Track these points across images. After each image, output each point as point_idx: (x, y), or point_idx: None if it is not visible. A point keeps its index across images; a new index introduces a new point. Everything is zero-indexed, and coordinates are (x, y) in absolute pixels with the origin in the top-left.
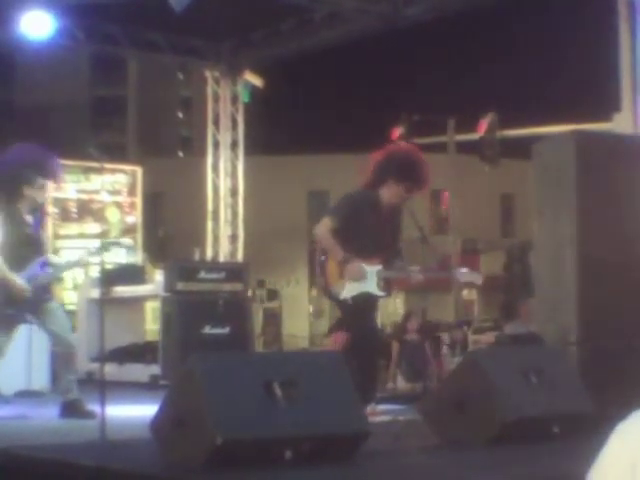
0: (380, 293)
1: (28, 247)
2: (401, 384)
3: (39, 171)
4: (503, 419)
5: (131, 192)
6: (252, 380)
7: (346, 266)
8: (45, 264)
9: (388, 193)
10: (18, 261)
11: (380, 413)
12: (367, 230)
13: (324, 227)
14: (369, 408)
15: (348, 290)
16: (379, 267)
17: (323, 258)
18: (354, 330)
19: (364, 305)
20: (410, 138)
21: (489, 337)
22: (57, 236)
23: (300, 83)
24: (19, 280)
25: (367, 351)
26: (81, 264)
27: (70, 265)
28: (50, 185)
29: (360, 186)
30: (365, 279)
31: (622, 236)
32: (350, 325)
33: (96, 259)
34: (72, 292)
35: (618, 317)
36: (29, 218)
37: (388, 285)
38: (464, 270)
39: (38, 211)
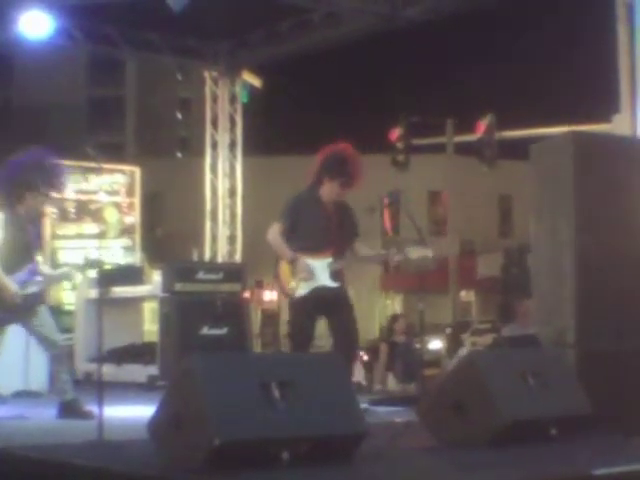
0: (333, 284)
1: (23, 253)
2: (392, 385)
3: (44, 181)
4: (501, 421)
5: (129, 192)
6: (250, 381)
7: (295, 265)
8: (34, 271)
9: (325, 191)
10: (10, 265)
11: None
12: (313, 226)
13: (273, 231)
14: None
15: (302, 287)
16: (329, 259)
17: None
18: (299, 327)
19: (316, 300)
20: (409, 139)
21: (487, 339)
22: (55, 236)
23: (298, 83)
24: (13, 285)
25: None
26: (68, 278)
27: (57, 278)
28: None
29: (306, 187)
30: (313, 275)
31: (620, 238)
32: (295, 323)
33: (82, 274)
34: (70, 292)
35: (616, 319)
36: (30, 227)
37: (340, 276)
38: (412, 248)
39: (38, 221)
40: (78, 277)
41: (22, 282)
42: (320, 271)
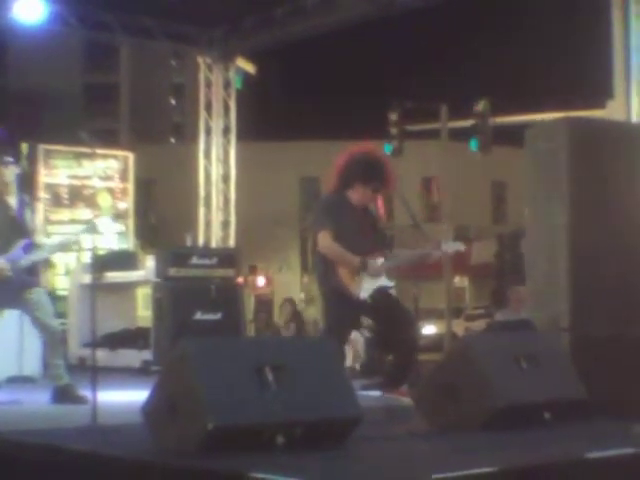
0: (390, 283)
1: (11, 230)
2: None
3: None
4: (494, 405)
5: (123, 178)
6: (244, 365)
7: (365, 267)
8: (29, 246)
9: (357, 195)
10: (1, 244)
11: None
12: (352, 229)
13: (327, 240)
14: (403, 388)
15: (365, 290)
16: (381, 260)
17: (328, 266)
18: (382, 323)
19: (381, 299)
20: (403, 125)
21: (480, 324)
22: (49, 221)
23: (292, 69)
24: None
25: (403, 336)
26: (69, 245)
27: (57, 247)
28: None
29: (328, 191)
30: (382, 275)
31: (614, 223)
32: (377, 321)
33: (84, 241)
34: (64, 277)
35: (610, 304)
36: (12, 201)
37: (392, 274)
38: (446, 243)
39: (24, 194)
40: (81, 242)
41: (16, 259)
42: None
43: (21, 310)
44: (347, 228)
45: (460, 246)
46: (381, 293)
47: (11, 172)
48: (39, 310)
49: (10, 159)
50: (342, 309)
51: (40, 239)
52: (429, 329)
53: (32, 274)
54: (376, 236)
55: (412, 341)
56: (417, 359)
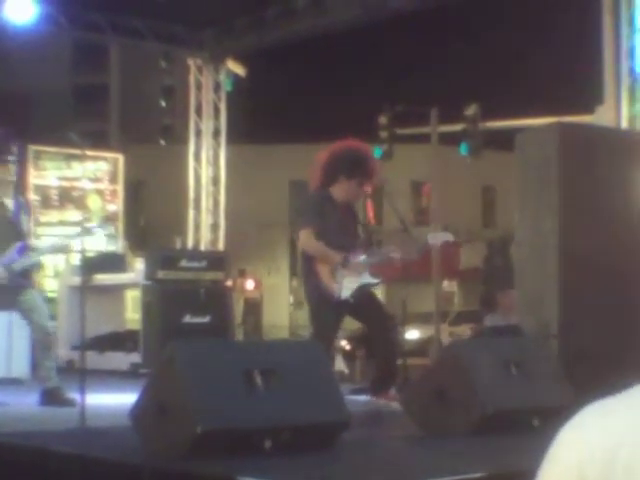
0: (375, 280)
1: (7, 232)
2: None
3: None
4: (483, 410)
5: (112, 180)
6: (232, 368)
7: (347, 264)
8: (24, 249)
9: (341, 191)
10: None
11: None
12: (335, 227)
13: (308, 238)
14: (390, 392)
15: (347, 289)
16: (364, 256)
17: (310, 265)
18: (367, 324)
19: (363, 298)
20: (393, 129)
21: (465, 329)
22: (38, 223)
23: (283, 72)
24: None
25: (383, 339)
26: (62, 248)
27: (50, 249)
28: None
29: (311, 189)
30: (364, 273)
31: (604, 228)
32: (359, 320)
33: (77, 243)
34: (53, 279)
35: (599, 309)
36: (8, 202)
37: (377, 271)
38: (434, 235)
39: (20, 196)
40: (74, 246)
41: (11, 261)
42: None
43: (16, 312)
44: (330, 225)
45: (449, 236)
46: (363, 293)
47: (11, 171)
48: (35, 312)
49: (12, 157)
50: (325, 310)
51: (32, 241)
52: (414, 333)
53: (26, 276)
54: (358, 233)
55: (392, 345)
56: (400, 363)
